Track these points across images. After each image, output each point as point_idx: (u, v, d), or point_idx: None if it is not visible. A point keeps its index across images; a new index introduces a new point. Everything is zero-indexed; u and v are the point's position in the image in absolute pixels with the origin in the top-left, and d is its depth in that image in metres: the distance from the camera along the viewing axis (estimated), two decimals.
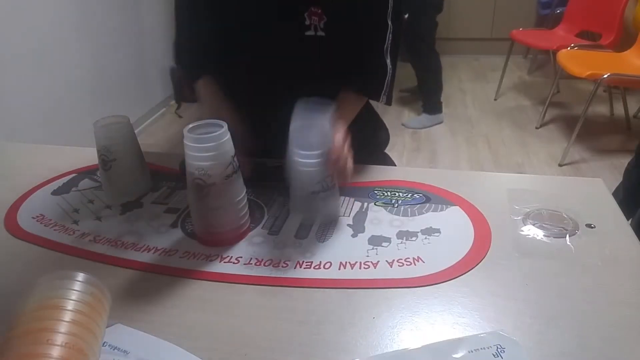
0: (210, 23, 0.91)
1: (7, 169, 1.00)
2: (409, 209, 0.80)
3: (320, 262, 0.68)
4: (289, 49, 0.88)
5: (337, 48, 0.88)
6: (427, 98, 3.21)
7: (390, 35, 0.90)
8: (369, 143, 1.09)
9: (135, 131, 0.85)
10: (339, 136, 0.74)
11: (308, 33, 0.87)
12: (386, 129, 1.15)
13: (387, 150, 1.16)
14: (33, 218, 0.81)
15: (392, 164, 1.11)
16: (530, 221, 0.75)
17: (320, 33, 0.87)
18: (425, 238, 0.73)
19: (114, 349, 0.54)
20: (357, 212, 0.80)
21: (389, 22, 0.89)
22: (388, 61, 0.91)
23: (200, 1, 0.93)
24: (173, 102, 3.40)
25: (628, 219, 1.29)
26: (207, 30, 0.93)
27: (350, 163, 0.76)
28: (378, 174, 0.91)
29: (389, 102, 0.95)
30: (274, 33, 0.88)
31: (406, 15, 2.87)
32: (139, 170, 0.87)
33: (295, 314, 0.60)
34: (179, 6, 0.97)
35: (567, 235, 0.72)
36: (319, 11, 0.85)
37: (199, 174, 0.66)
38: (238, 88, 0.92)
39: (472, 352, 0.53)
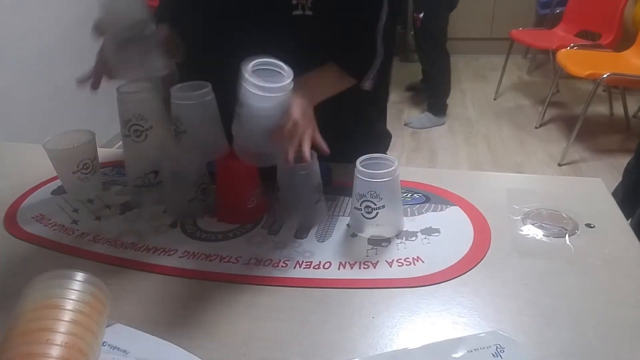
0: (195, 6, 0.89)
1: (7, 169, 1.00)
2: (409, 209, 0.80)
3: (320, 262, 0.68)
4: (276, 29, 0.85)
5: (325, 27, 0.85)
6: (434, 98, 3.20)
7: (385, 16, 0.85)
8: (372, 146, 1.07)
9: None
10: (299, 105, 0.70)
11: (296, 12, 0.84)
12: (389, 133, 1.14)
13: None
14: (33, 218, 0.81)
15: None
16: (530, 221, 0.75)
17: (308, 12, 0.84)
18: (425, 238, 0.73)
19: (113, 349, 0.54)
20: None
21: (384, 2, 0.85)
22: (379, 44, 0.87)
23: None
24: None
25: (627, 219, 1.29)
26: (191, 13, 0.90)
27: (309, 140, 0.72)
28: None
29: (375, 90, 0.89)
30: (260, 14, 0.86)
31: (421, 15, 2.87)
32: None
33: (295, 314, 0.60)
34: None
35: (567, 235, 0.72)
36: None
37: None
38: (223, 72, 0.88)
39: (471, 351, 0.53)
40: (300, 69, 0.73)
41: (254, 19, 0.86)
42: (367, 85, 0.89)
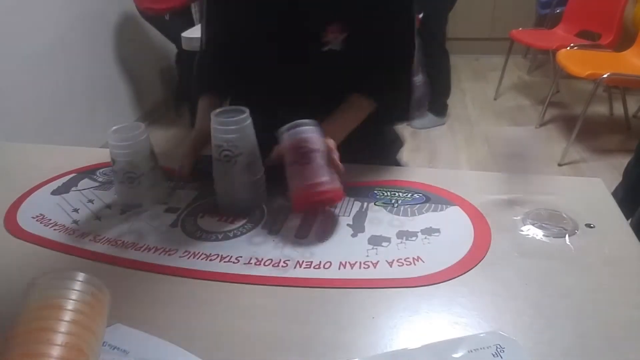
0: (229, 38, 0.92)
1: (7, 169, 1.00)
2: (409, 209, 0.80)
3: (320, 261, 0.68)
4: (306, 64, 0.87)
5: (357, 63, 0.86)
6: (434, 98, 3.19)
7: (419, 53, 0.90)
8: (384, 151, 1.08)
9: None
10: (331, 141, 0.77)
11: (326, 49, 0.86)
12: (401, 137, 1.14)
13: None
14: (33, 218, 0.81)
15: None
16: (530, 221, 0.75)
17: (338, 47, 0.86)
18: (425, 238, 0.73)
19: (114, 349, 0.54)
20: (357, 212, 0.80)
21: (415, 40, 0.88)
22: (416, 78, 0.93)
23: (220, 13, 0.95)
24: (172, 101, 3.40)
25: (627, 219, 1.29)
26: (224, 50, 0.95)
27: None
28: (378, 174, 0.91)
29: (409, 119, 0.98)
30: (290, 51, 0.88)
31: (420, 15, 2.87)
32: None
33: (295, 314, 0.60)
34: (207, 21, 0.99)
35: (567, 235, 0.72)
36: (339, 26, 0.85)
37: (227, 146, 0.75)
38: (252, 107, 0.84)
39: (471, 351, 0.53)
40: (329, 104, 0.74)
41: (285, 57, 0.89)
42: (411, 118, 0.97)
